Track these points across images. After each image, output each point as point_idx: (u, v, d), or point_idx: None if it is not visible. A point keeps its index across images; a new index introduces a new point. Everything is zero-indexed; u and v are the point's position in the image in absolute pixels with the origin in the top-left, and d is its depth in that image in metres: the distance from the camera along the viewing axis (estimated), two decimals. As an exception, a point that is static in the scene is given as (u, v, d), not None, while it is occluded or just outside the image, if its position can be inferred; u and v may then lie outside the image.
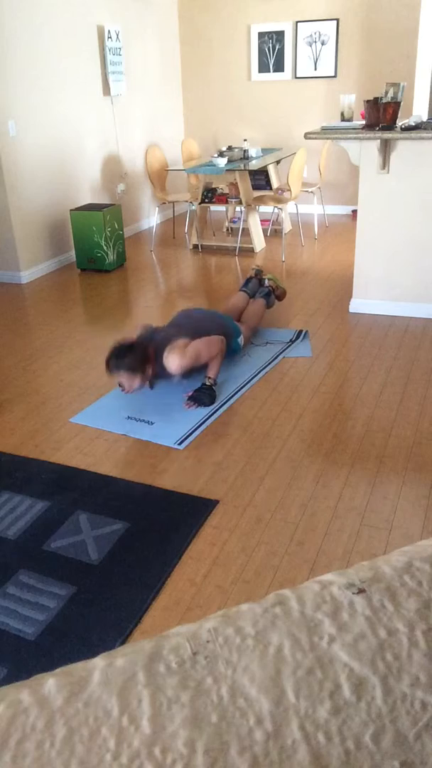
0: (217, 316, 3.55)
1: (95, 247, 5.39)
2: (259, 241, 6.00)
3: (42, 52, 5.13)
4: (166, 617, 1.95)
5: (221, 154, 5.87)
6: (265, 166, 6.01)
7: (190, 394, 3.21)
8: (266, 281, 4.17)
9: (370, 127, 3.78)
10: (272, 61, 6.86)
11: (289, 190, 5.66)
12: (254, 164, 5.74)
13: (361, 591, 0.69)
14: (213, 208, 7.12)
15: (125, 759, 0.52)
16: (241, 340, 3.63)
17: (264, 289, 4.10)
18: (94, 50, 5.79)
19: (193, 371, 3.26)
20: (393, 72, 6.41)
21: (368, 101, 3.76)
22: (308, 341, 3.88)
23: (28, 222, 5.25)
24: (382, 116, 3.72)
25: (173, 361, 3.09)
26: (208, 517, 2.38)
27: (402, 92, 3.86)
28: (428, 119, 3.97)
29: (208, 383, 3.20)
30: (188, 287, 5.05)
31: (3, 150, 4.86)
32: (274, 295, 4.16)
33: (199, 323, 3.39)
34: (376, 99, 3.78)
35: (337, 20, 6.45)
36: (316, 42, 6.61)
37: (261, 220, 6.47)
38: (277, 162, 6.37)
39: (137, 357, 3.04)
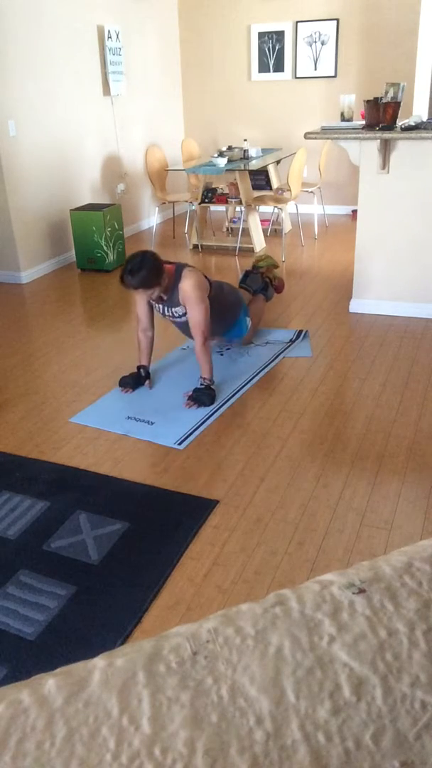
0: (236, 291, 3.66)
1: (95, 247, 5.39)
2: (259, 241, 6.00)
3: (42, 52, 5.13)
4: (166, 617, 1.95)
5: (221, 154, 5.87)
6: (265, 166, 6.01)
7: (190, 394, 3.21)
8: (260, 268, 4.13)
9: (370, 127, 3.78)
10: (272, 61, 6.86)
11: (289, 190, 5.66)
12: (254, 164, 5.74)
13: (361, 591, 0.69)
14: (213, 208, 7.11)
15: (125, 759, 0.52)
16: (248, 321, 3.66)
17: (256, 277, 4.05)
18: (94, 50, 5.79)
19: (189, 327, 3.26)
20: (393, 72, 6.41)
21: (368, 101, 3.76)
22: (308, 341, 3.88)
23: (28, 222, 5.25)
24: (382, 116, 3.72)
25: (190, 280, 3.11)
26: (208, 517, 2.38)
27: (402, 92, 3.86)
28: (428, 119, 3.97)
29: (204, 384, 3.20)
30: (188, 287, 5.05)
31: (3, 150, 4.86)
32: (271, 286, 4.14)
33: (220, 284, 3.46)
34: (376, 99, 3.78)
35: (337, 20, 6.45)
36: (316, 42, 6.60)
37: (261, 220, 6.47)
38: (277, 162, 6.37)
39: (151, 270, 3.00)
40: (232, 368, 3.55)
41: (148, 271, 2.99)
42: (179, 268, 3.17)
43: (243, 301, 3.67)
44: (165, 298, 3.20)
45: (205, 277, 3.29)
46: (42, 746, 0.54)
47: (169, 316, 3.32)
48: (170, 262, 3.19)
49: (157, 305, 3.29)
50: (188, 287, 3.12)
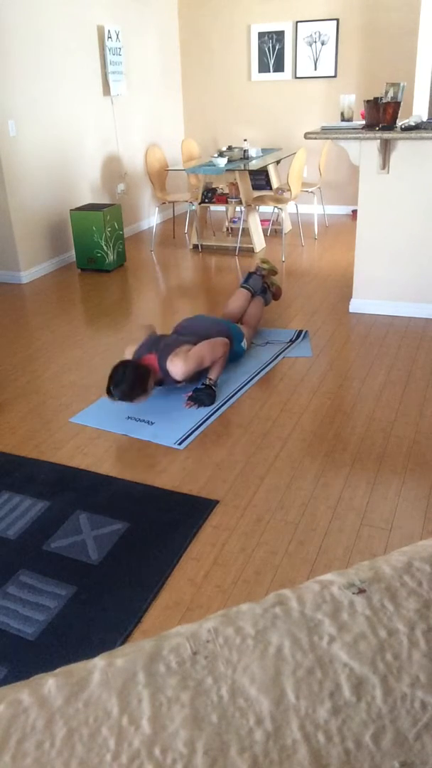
0: (221, 323, 3.57)
1: (95, 247, 5.39)
2: (259, 241, 6.00)
3: (42, 52, 5.13)
4: (166, 617, 1.95)
5: (221, 154, 5.87)
6: (265, 166, 6.01)
7: (190, 394, 3.21)
8: (260, 270, 4.13)
9: (370, 127, 3.78)
10: (272, 61, 6.86)
11: (289, 190, 5.66)
12: (254, 164, 5.74)
13: (361, 591, 0.69)
14: (213, 208, 7.12)
15: (125, 759, 0.52)
16: (244, 344, 3.63)
17: (258, 279, 4.05)
18: (94, 50, 5.79)
19: (198, 374, 3.27)
20: (393, 72, 6.41)
21: (368, 101, 3.76)
22: (308, 341, 3.88)
23: (28, 222, 5.25)
24: (382, 116, 3.72)
25: (177, 367, 3.10)
26: (208, 517, 2.38)
27: (402, 92, 3.86)
28: (428, 119, 3.97)
29: (208, 383, 3.20)
30: (188, 287, 5.05)
31: (3, 150, 4.86)
32: (270, 291, 4.14)
33: (203, 329, 3.41)
34: (376, 99, 3.78)
35: (337, 20, 6.45)
36: (316, 42, 6.60)
37: (261, 220, 6.47)
38: (277, 162, 6.37)
39: (134, 381, 2.99)
40: (232, 368, 3.55)
41: (131, 383, 2.98)
42: (161, 359, 3.12)
43: (232, 330, 3.57)
44: (164, 383, 3.23)
45: (184, 333, 3.33)
46: (42, 746, 0.54)
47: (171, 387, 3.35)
48: (150, 349, 3.17)
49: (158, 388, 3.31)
50: (181, 371, 3.11)
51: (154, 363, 3.13)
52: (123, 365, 3.02)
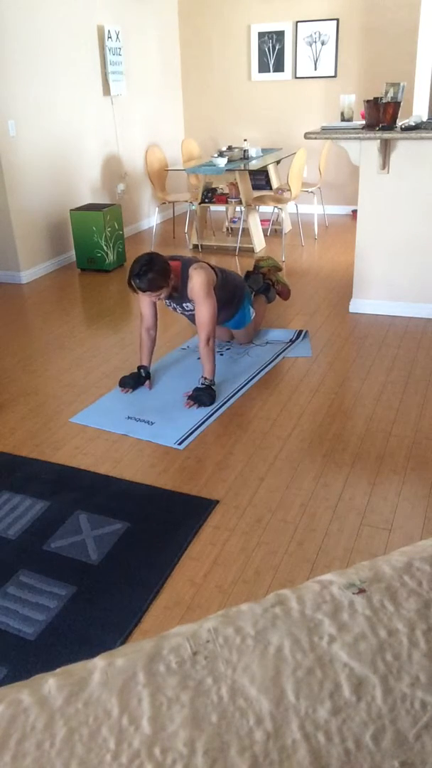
0: (237, 276, 3.63)
1: (95, 247, 5.39)
2: (259, 241, 6.00)
3: (42, 52, 5.13)
4: (166, 617, 1.95)
5: (221, 154, 5.87)
6: (265, 166, 6.01)
7: (190, 393, 3.21)
8: (261, 268, 4.13)
9: (370, 127, 3.78)
10: (272, 61, 6.86)
11: (289, 190, 5.66)
12: (254, 164, 5.74)
13: (361, 591, 0.69)
14: (213, 208, 7.11)
15: (125, 759, 0.52)
16: (252, 311, 3.68)
17: (257, 277, 4.06)
18: (94, 50, 5.78)
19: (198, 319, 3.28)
20: (393, 72, 6.41)
21: (368, 101, 3.76)
22: (308, 341, 3.88)
23: (28, 222, 5.25)
24: (382, 116, 3.72)
25: (198, 277, 3.10)
26: (208, 517, 2.38)
27: (402, 92, 3.86)
28: (428, 119, 3.97)
29: (206, 383, 3.20)
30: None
31: (3, 150, 4.86)
32: (273, 288, 4.14)
33: (223, 270, 3.45)
34: (376, 99, 3.78)
35: (337, 20, 6.45)
36: (316, 42, 6.60)
37: (261, 220, 6.47)
38: (277, 162, 6.37)
39: (159, 271, 2.99)
40: (232, 368, 3.55)
41: (156, 273, 2.99)
42: (185, 265, 3.16)
43: (246, 289, 3.66)
44: (174, 296, 3.21)
45: (210, 266, 3.29)
46: (42, 746, 0.54)
47: (179, 310, 3.34)
48: (175, 258, 3.19)
49: (166, 301, 3.30)
50: (197, 285, 3.12)
51: (176, 267, 3.13)
52: (148, 254, 3.02)
